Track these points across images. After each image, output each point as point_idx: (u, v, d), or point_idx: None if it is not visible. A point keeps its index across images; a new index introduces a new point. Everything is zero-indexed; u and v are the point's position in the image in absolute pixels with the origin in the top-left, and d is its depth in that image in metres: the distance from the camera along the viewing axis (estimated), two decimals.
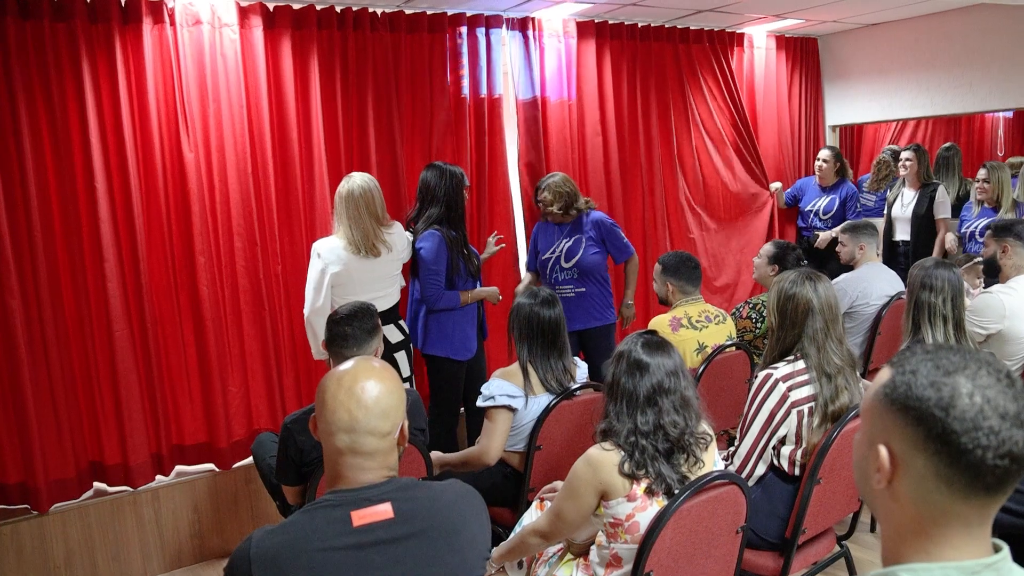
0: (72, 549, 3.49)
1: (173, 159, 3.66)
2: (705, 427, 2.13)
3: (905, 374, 0.96)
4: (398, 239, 3.64)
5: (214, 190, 3.73)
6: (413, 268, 3.82)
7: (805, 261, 4.04)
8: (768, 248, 4.10)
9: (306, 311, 3.52)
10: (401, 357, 3.65)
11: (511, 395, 2.84)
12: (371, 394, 1.49)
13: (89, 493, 3.61)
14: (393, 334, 3.63)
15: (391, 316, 3.64)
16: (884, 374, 1.00)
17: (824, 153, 5.62)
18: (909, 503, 0.95)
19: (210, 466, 3.84)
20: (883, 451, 0.95)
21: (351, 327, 2.65)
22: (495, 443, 2.83)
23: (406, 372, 3.67)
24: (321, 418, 1.53)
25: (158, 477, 3.74)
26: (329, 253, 3.47)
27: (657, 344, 2.10)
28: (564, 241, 4.24)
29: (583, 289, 4.23)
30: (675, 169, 5.39)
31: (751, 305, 4.00)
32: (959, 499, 0.92)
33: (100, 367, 3.56)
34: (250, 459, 3.84)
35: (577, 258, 4.20)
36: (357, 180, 3.51)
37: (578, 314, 4.21)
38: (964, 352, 0.96)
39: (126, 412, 3.58)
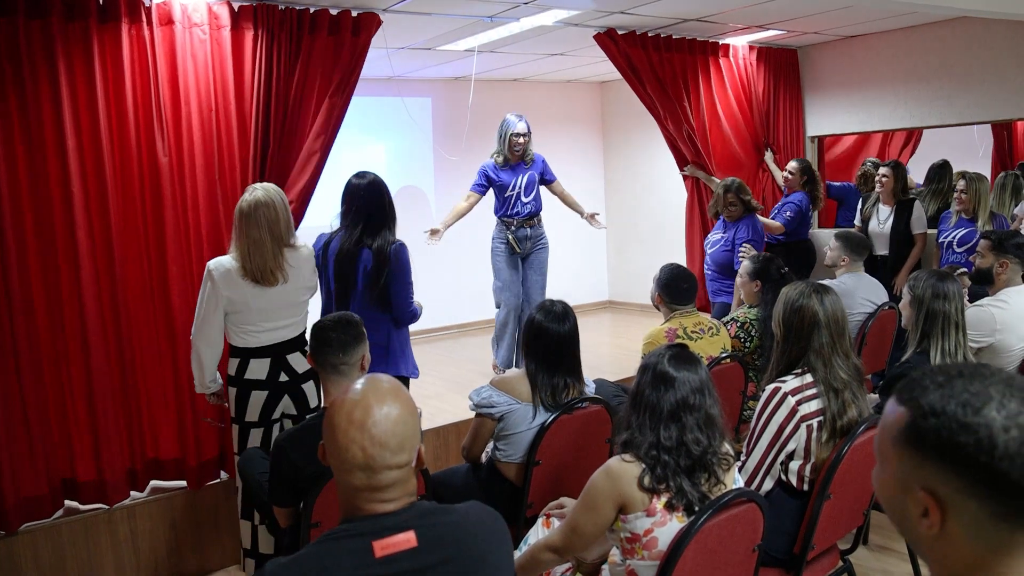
0: (43, 569, 3.33)
1: (149, 163, 3.52)
2: (728, 447, 2.08)
3: (927, 417, 0.91)
4: (304, 265, 3.22)
5: (184, 196, 3.59)
6: (375, 283, 3.38)
7: (786, 269, 3.94)
8: (747, 265, 3.94)
9: (192, 333, 3.15)
10: (310, 387, 3.25)
11: (492, 405, 2.83)
12: (384, 427, 1.38)
13: (60, 512, 3.45)
14: (301, 363, 3.23)
15: (299, 344, 3.24)
16: (896, 412, 0.94)
17: (791, 165, 5.66)
18: (965, 543, 0.91)
19: (183, 483, 3.69)
20: (929, 498, 0.90)
21: (335, 332, 2.55)
22: (475, 447, 2.97)
23: (313, 403, 3.26)
24: (332, 455, 1.41)
25: (133, 493, 3.59)
26: (222, 277, 3.05)
27: (685, 358, 2.05)
28: (720, 235, 5.17)
29: (710, 272, 5.21)
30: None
31: (739, 323, 3.87)
32: (1019, 529, 0.88)
33: (74, 379, 3.41)
34: (224, 475, 3.75)
35: (712, 251, 5.19)
36: (260, 193, 3.08)
37: (709, 293, 5.28)
38: (979, 377, 0.91)
39: (101, 426, 3.43)
